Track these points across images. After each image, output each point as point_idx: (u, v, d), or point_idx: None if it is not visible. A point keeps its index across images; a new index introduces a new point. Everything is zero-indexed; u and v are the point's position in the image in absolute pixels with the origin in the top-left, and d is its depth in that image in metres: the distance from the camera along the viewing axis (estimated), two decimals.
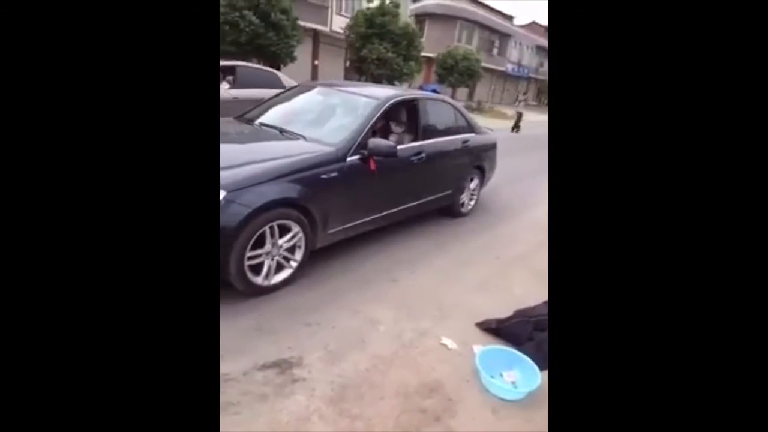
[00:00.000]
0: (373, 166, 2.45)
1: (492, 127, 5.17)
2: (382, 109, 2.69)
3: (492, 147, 4.04)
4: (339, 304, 2.17)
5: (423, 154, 2.96)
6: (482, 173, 3.93)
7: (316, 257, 2.58)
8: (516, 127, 12.21)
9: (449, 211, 3.65)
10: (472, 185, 3.83)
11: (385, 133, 3.10)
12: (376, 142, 2.45)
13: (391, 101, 2.80)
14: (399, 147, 2.65)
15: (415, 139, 3.03)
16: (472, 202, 3.90)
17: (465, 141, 3.53)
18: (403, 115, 3.13)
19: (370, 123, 2.57)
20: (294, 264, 2.25)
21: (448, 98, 3.80)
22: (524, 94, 13.11)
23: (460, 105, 3.87)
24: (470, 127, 3.71)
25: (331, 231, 2.42)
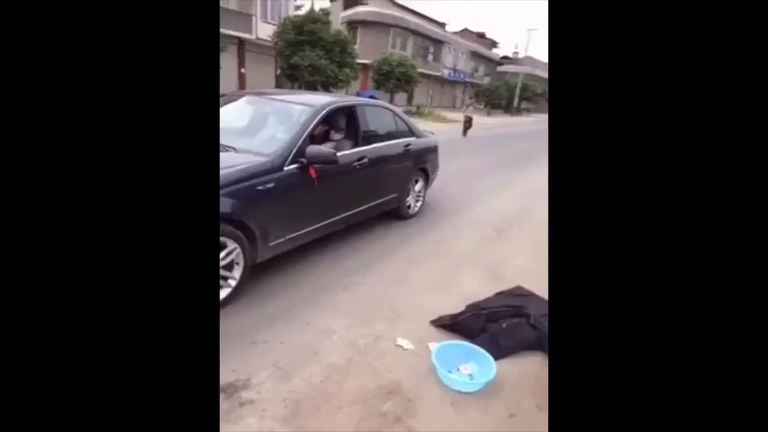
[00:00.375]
0: (313, 174, 2.38)
1: (433, 130, 5.29)
2: (319, 116, 2.62)
3: (434, 149, 4.13)
4: (288, 319, 2.06)
5: (365, 160, 2.95)
6: (426, 175, 4.00)
7: (261, 272, 2.44)
8: (467, 130, 12.31)
9: (396, 213, 3.68)
10: (417, 187, 3.89)
11: (325, 140, 3.04)
12: (315, 149, 2.39)
13: (328, 108, 2.74)
14: (340, 153, 2.61)
15: (355, 145, 3.00)
16: (419, 204, 3.96)
17: (407, 145, 3.56)
18: (342, 122, 3.09)
19: (307, 131, 2.49)
20: (233, 282, 2.10)
21: (387, 104, 3.83)
22: (471, 98, 13.56)
23: (399, 110, 3.91)
24: (411, 132, 3.77)
25: (274, 243, 2.30)
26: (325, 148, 2.49)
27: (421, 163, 3.86)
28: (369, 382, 1.66)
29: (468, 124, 12.28)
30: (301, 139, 2.42)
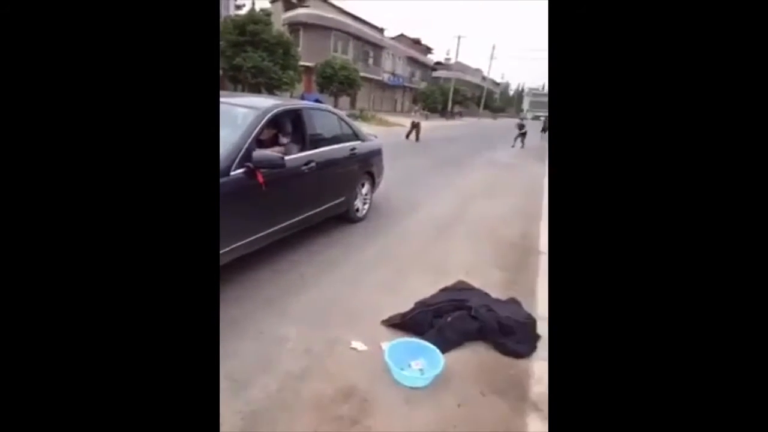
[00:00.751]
0: (261, 178, 2.35)
1: (376, 133, 5.40)
2: (265, 120, 2.59)
3: (378, 153, 4.23)
4: (239, 330, 2.03)
5: (313, 163, 2.96)
6: (372, 178, 4.08)
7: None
8: (414, 135, 12.39)
9: (345, 217, 3.73)
10: (364, 190, 3.97)
11: (274, 144, 3.02)
12: (262, 153, 2.36)
13: (274, 111, 2.72)
14: (288, 157, 2.63)
15: (303, 149, 3.00)
16: (366, 207, 4.04)
17: (352, 148, 3.63)
18: (289, 126, 3.07)
19: (253, 134, 2.45)
20: None
21: (331, 107, 3.88)
22: (414, 102, 13.70)
23: (343, 114, 3.97)
24: (356, 135, 3.83)
25: (221, 252, 2.25)
26: (272, 152, 2.46)
27: (367, 166, 3.93)
28: (325, 387, 1.70)
29: (416, 128, 12.43)
30: (247, 143, 2.37)
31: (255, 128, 2.49)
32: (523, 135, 14.35)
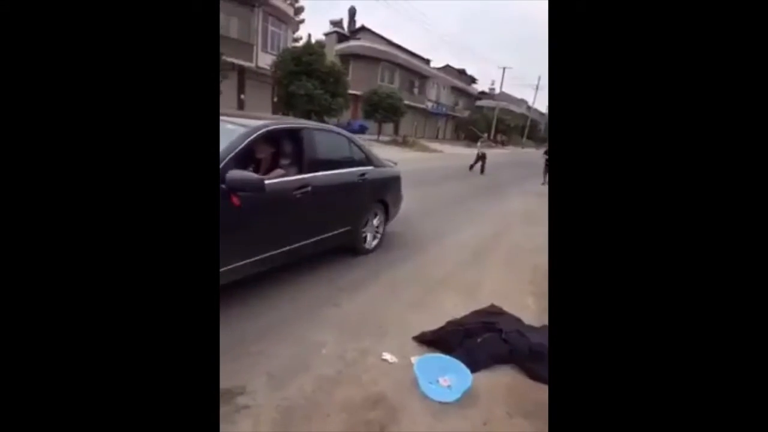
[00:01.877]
0: (236, 202, 2.07)
1: (417, 158, 5.55)
2: (250, 139, 2.30)
3: (395, 180, 3.90)
4: (282, 332, 2.19)
5: (309, 188, 2.64)
6: (386, 208, 3.74)
7: (257, 286, 2.58)
8: (479, 165, 11.49)
9: (351, 248, 3.43)
10: (375, 221, 3.64)
11: (274, 165, 2.75)
12: (237, 174, 2.04)
13: (263, 130, 2.41)
14: (273, 181, 2.39)
15: (299, 172, 2.68)
16: (376, 239, 3.72)
17: (362, 174, 3.32)
18: (288, 146, 2.77)
19: (231, 153, 2.16)
20: None
21: (341, 130, 3.47)
22: (484, 133, 12.91)
23: (356, 137, 3.63)
24: (368, 160, 3.51)
25: None
26: (250, 174, 2.15)
27: (381, 194, 3.61)
28: (356, 392, 1.80)
29: (482, 160, 11.53)
30: (223, 163, 2.09)
31: (237, 147, 2.20)
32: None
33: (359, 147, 3.47)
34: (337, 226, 3.10)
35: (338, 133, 3.30)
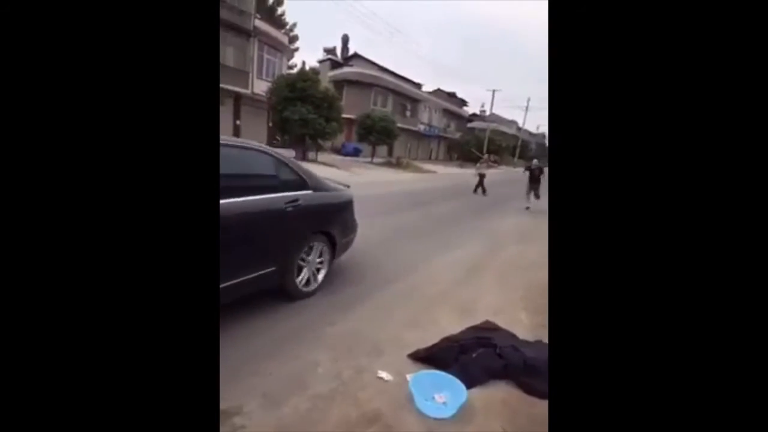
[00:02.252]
0: None
1: (411, 179, 5.61)
2: None
3: (344, 207, 3.24)
4: (276, 352, 2.19)
5: None
6: (331, 241, 3.06)
7: (250, 307, 2.58)
8: (482, 188, 11.32)
9: (283, 292, 2.76)
10: (316, 257, 2.97)
11: None
12: None
13: None
14: None
15: None
16: (320, 277, 3.06)
17: (292, 201, 2.62)
18: None
19: None
20: None
21: (267, 147, 2.74)
22: (486, 153, 12.97)
23: (285, 155, 2.89)
24: (304, 183, 2.80)
25: None
26: None
27: (322, 224, 2.93)
28: (352, 410, 1.79)
29: (482, 181, 11.37)
30: None
31: None
32: (534, 184, 9.49)
33: (292, 167, 2.80)
34: (255, 268, 2.42)
35: (260, 151, 2.60)
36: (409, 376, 2.03)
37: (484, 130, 36.30)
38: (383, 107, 26.56)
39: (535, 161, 9.95)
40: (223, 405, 1.71)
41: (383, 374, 2.07)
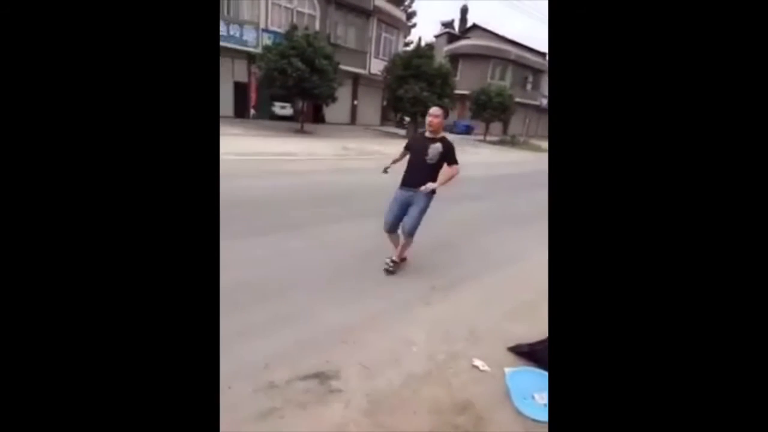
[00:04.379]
0: None
1: (518, 159, 5.19)
2: None
3: None
4: (374, 325, 2.28)
5: None
6: None
7: (352, 276, 2.74)
8: None
9: None
10: None
11: None
12: None
13: None
14: None
15: None
16: None
17: None
18: None
19: None
20: None
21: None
22: None
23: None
24: None
25: None
26: None
27: None
28: (444, 395, 1.77)
29: None
30: None
31: None
32: None
33: None
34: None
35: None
36: (507, 370, 1.91)
37: None
38: (501, 80, 24.80)
39: None
40: (323, 367, 1.86)
41: (479, 363, 1.99)
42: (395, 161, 3.08)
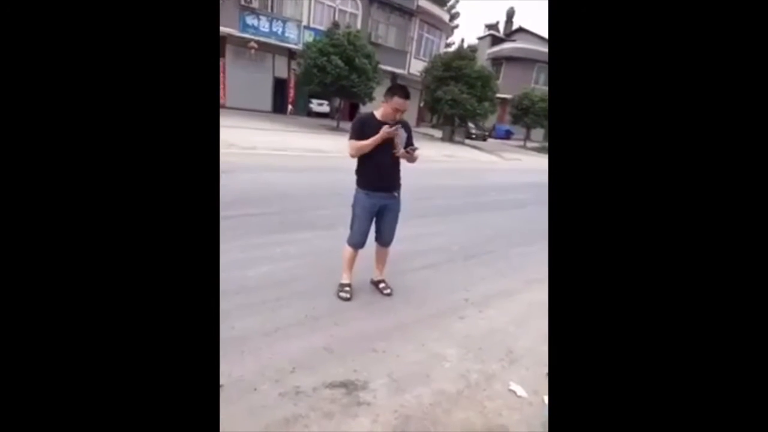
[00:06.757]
0: None
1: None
2: None
3: None
4: (405, 336, 2.19)
5: None
6: None
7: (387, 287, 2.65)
8: None
9: None
10: None
11: None
12: None
13: None
14: None
15: None
16: None
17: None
18: None
19: None
20: None
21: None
22: None
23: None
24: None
25: None
26: None
27: None
28: (477, 419, 1.65)
29: None
30: None
31: None
32: None
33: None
34: None
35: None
36: (547, 398, 1.76)
37: None
38: (545, 85, 23.98)
39: None
40: (351, 376, 1.79)
41: (515, 388, 1.85)
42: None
